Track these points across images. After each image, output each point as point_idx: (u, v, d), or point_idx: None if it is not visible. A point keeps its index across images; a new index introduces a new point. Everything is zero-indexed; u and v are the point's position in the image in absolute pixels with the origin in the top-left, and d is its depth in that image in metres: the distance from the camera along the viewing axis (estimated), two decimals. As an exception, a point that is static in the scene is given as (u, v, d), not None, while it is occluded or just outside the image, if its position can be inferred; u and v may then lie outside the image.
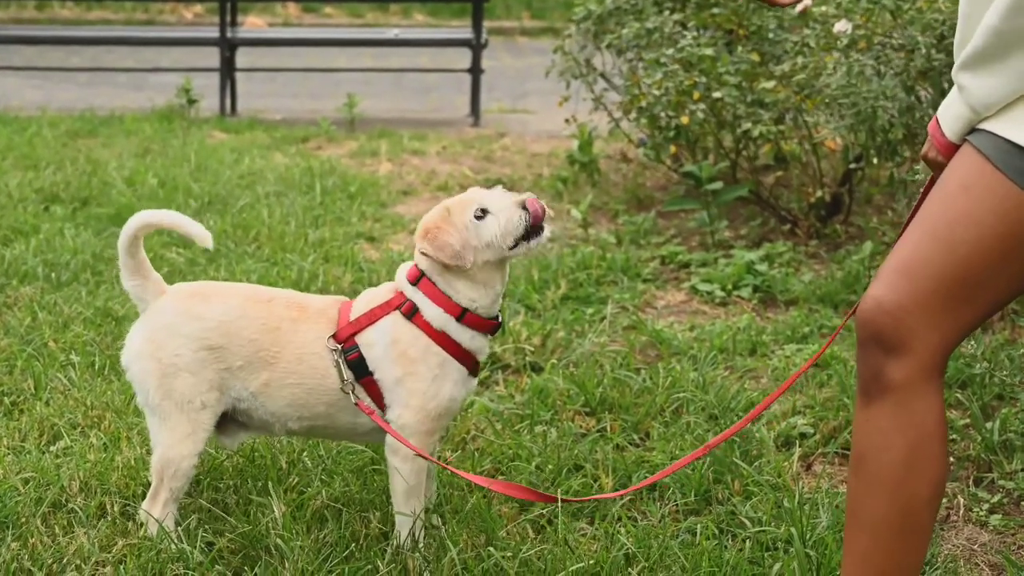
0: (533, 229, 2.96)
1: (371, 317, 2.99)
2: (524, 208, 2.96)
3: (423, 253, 2.96)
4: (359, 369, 2.98)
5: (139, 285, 3.13)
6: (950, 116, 2.36)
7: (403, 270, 3.07)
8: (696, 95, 5.87)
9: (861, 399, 2.37)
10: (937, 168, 2.44)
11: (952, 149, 2.38)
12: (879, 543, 2.36)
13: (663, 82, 6.01)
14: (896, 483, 2.32)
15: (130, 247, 3.10)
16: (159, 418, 3.06)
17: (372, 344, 2.97)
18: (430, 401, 2.94)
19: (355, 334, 2.99)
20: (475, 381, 3.08)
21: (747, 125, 5.85)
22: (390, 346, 2.96)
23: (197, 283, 3.33)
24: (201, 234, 3.14)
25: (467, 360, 3.00)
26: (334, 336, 3.00)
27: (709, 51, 5.98)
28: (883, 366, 2.31)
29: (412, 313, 2.97)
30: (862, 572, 2.39)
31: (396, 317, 2.98)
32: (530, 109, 10.76)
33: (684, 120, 5.92)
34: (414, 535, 2.99)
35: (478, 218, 2.95)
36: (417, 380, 2.94)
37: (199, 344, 3.03)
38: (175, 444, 3.04)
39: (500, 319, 3.04)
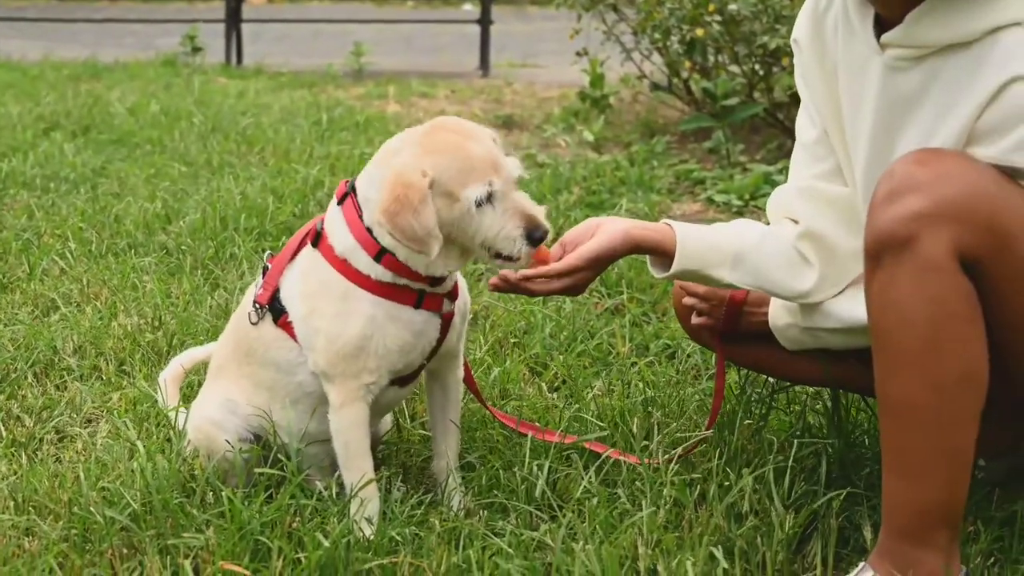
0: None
1: (288, 248, 2.46)
2: (526, 233, 2.25)
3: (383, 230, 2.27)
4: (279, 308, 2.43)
5: None
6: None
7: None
8: (711, 7, 5.72)
9: (871, 262, 1.99)
10: None
11: None
12: (912, 426, 2.00)
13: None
14: (920, 357, 1.96)
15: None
16: None
17: (289, 280, 2.43)
18: (334, 342, 2.33)
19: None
20: (430, 317, 2.36)
21: (764, 39, 5.70)
22: (298, 280, 2.41)
23: None
24: None
25: (397, 294, 2.33)
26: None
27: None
28: (908, 221, 1.92)
29: (317, 239, 2.38)
30: (900, 463, 2.03)
31: (307, 248, 2.41)
32: (541, 64, 10.62)
33: (700, 33, 5.77)
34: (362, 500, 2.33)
35: (479, 205, 2.23)
36: (319, 317, 2.36)
37: None
38: None
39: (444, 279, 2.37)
